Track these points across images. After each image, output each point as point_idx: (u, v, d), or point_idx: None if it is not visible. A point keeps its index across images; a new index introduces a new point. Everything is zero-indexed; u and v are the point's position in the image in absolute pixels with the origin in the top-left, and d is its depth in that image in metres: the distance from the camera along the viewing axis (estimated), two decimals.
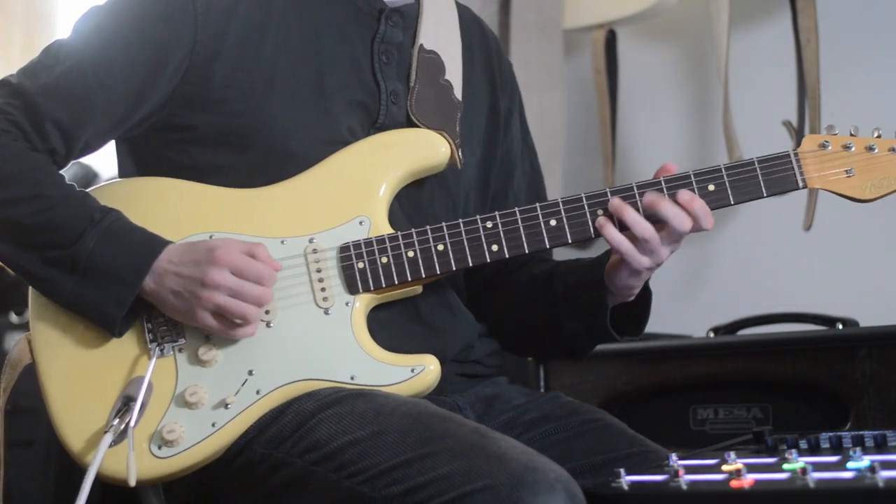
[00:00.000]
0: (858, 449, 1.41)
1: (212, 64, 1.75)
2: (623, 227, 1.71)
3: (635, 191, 1.73)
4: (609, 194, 1.72)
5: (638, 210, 1.70)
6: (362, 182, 1.76)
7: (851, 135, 1.76)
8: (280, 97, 1.76)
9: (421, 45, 1.86)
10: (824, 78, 2.84)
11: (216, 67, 1.75)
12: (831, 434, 1.56)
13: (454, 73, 1.89)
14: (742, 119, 2.96)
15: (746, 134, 2.93)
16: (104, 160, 1.97)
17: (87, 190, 1.74)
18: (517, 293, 1.91)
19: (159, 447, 1.65)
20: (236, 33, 1.76)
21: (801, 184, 1.74)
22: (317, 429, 1.61)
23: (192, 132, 1.76)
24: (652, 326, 2.77)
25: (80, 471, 1.61)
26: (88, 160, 1.84)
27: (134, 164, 1.84)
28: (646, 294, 1.82)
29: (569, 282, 1.84)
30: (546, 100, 3.23)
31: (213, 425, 1.66)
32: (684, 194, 1.70)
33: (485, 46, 1.99)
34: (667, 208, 1.69)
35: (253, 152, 1.75)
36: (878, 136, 1.76)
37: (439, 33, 1.90)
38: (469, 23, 1.99)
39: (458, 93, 1.88)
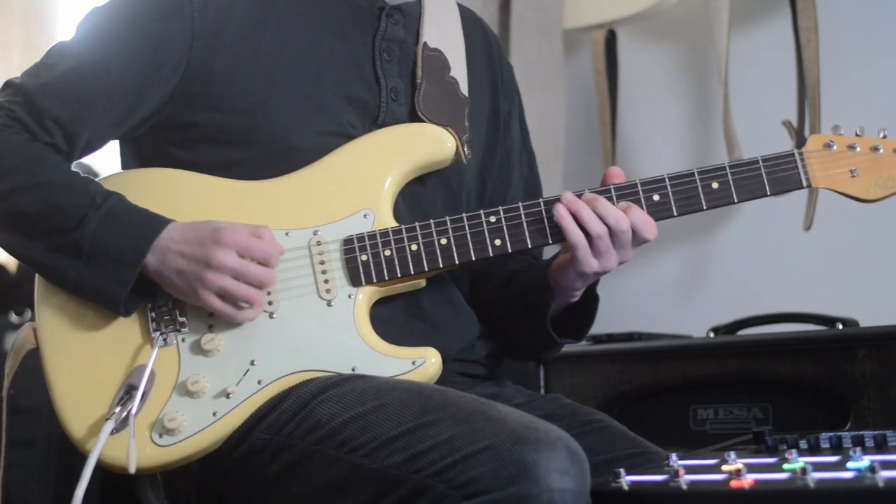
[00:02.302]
0: (858, 449, 1.41)
1: (211, 61, 1.75)
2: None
3: (639, 188, 1.73)
4: (612, 191, 1.73)
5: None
6: (368, 175, 1.76)
7: (857, 135, 1.77)
8: (280, 94, 1.76)
9: (425, 43, 1.86)
10: (824, 78, 2.84)
11: (216, 64, 1.75)
12: (831, 434, 1.57)
13: (459, 71, 1.89)
14: (742, 119, 2.96)
15: (746, 134, 2.93)
16: (105, 160, 1.97)
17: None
18: (486, 292, 1.92)
19: (160, 435, 1.65)
20: (235, 30, 1.77)
21: (805, 183, 1.75)
22: (317, 410, 1.62)
23: (195, 130, 1.77)
24: (652, 326, 2.79)
25: (81, 469, 1.62)
26: (88, 159, 1.84)
27: (137, 162, 1.84)
28: (592, 299, 1.84)
29: (522, 282, 1.86)
30: (546, 100, 3.23)
31: (214, 414, 1.66)
32: (622, 204, 1.71)
33: (487, 48, 2.00)
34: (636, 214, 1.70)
35: (255, 148, 1.76)
36: (884, 137, 1.76)
37: (442, 32, 1.90)
38: (471, 24, 1.99)
39: (464, 89, 1.88)
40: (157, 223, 1.68)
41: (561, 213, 1.70)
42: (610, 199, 1.72)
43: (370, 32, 1.84)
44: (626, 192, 1.73)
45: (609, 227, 1.69)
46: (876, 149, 1.76)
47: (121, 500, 1.74)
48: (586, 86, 3.29)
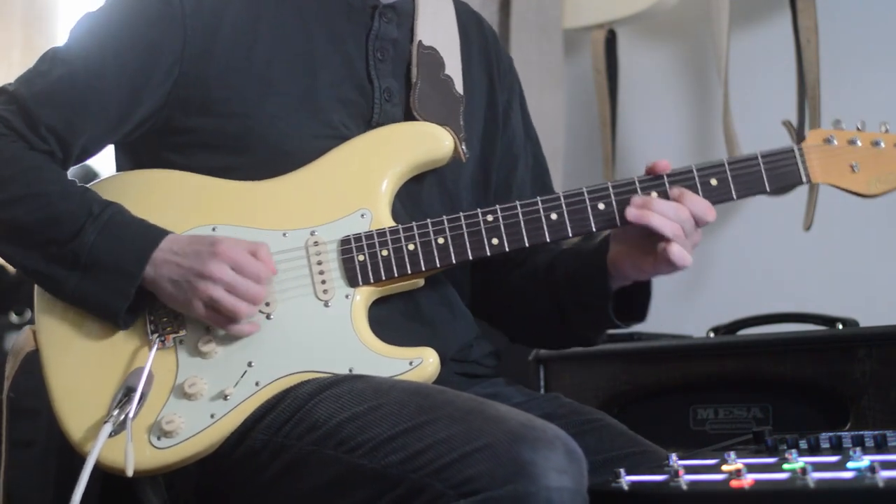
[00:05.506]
0: (858, 449, 1.41)
1: (204, 65, 1.75)
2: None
3: (636, 185, 1.73)
4: (611, 188, 1.73)
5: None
6: (365, 175, 1.76)
7: (857, 129, 1.75)
8: (275, 97, 1.76)
9: (420, 42, 1.86)
10: (824, 78, 2.84)
11: (209, 69, 1.75)
12: (831, 434, 1.56)
13: (454, 69, 1.89)
14: (742, 119, 2.96)
15: (746, 134, 2.93)
16: (104, 160, 1.97)
17: (90, 184, 1.76)
18: (521, 284, 1.91)
19: (158, 438, 1.66)
20: (227, 34, 1.77)
21: (804, 178, 1.74)
22: (315, 410, 1.62)
23: (190, 135, 1.77)
24: (652, 326, 2.78)
25: (81, 469, 1.62)
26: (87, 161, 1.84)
27: (133, 167, 1.84)
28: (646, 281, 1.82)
29: (570, 270, 1.84)
30: (546, 100, 3.23)
31: (212, 416, 1.66)
32: (674, 190, 1.71)
33: (482, 41, 1.99)
34: (695, 201, 1.70)
35: (251, 153, 1.76)
36: (886, 131, 1.75)
37: (436, 29, 1.90)
38: (466, 19, 1.99)
39: (458, 87, 1.88)
40: (155, 235, 1.68)
41: (640, 211, 1.70)
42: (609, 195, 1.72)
43: (363, 32, 1.84)
44: (624, 190, 1.72)
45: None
46: (877, 143, 1.74)
47: (120, 501, 1.74)
48: (586, 86, 3.29)
